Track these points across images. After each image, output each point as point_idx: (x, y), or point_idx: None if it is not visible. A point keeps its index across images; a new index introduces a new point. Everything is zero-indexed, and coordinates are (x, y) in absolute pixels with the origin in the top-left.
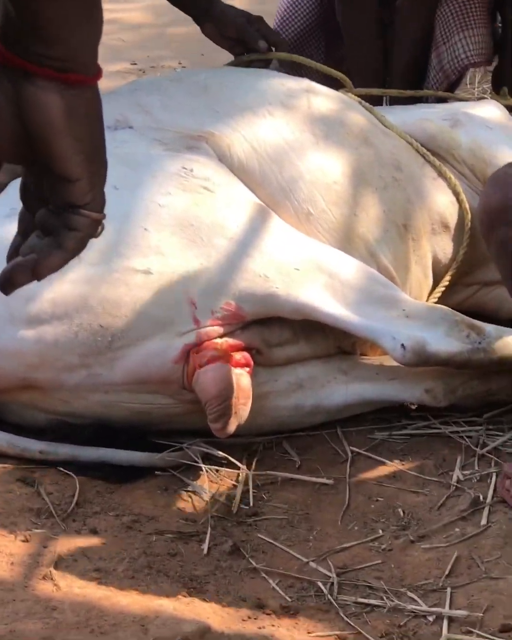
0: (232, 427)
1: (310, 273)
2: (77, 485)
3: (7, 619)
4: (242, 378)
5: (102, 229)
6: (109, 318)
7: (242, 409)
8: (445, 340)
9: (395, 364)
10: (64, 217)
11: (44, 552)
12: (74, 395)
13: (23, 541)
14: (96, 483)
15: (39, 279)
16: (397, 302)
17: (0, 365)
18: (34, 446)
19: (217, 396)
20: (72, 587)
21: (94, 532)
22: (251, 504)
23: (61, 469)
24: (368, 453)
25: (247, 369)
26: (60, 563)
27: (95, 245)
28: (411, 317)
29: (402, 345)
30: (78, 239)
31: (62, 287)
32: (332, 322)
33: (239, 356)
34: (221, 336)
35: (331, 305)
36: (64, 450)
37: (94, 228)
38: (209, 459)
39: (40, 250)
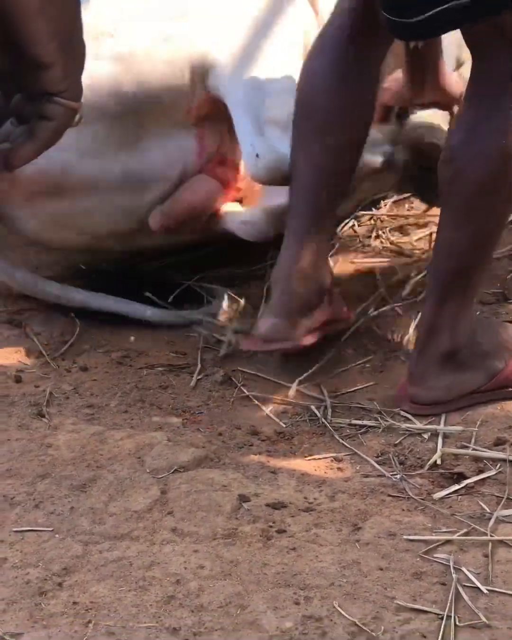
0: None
1: None
2: (73, 325)
3: (3, 457)
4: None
5: (80, 119)
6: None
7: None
8: None
9: None
10: (39, 105)
11: (35, 392)
12: None
13: (15, 382)
14: (83, 322)
15: (9, 171)
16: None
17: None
18: (50, 289)
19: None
20: (65, 424)
21: (84, 369)
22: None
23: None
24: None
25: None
26: (52, 401)
27: None
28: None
29: (257, 155)
30: (52, 128)
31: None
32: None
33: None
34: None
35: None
36: (79, 297)
37: (70, 117)
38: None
39: (14, 139)
